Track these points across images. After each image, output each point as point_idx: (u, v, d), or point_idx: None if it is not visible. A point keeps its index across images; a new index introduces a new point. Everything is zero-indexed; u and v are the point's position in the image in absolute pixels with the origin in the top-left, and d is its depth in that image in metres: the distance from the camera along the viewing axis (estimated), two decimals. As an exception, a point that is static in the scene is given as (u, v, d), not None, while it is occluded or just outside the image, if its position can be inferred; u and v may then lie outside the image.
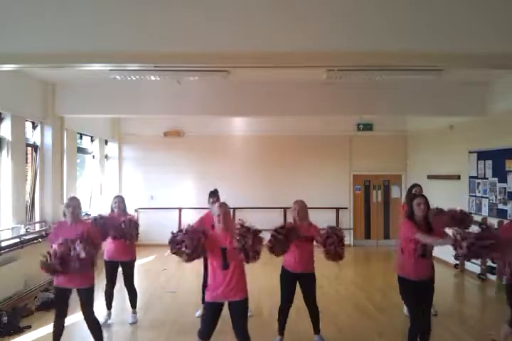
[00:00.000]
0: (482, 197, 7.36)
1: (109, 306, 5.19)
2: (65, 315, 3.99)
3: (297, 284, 4.41)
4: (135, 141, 10.64)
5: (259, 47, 3.97)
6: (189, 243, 3.32)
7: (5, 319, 4.87)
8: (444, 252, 7.19)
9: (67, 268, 3.63)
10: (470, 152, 7.71)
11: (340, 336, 4.82)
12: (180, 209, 10.23)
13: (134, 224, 4.91)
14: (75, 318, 5.11)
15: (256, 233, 3.41)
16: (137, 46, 3.96)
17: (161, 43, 3.96)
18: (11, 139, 6.15)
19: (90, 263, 3.86)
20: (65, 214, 4.01)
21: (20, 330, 4.80)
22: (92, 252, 3.70)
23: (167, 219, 9.93)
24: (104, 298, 5.17)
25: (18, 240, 5.99)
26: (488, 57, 4.03)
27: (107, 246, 5.03)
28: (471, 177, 7.72)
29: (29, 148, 6.91)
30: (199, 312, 5.19)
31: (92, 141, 9.60)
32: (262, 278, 6.25)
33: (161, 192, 10.51)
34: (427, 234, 3.71)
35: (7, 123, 6.17)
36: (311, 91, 7.26)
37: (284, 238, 4.03)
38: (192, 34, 3.91)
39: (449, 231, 3.89)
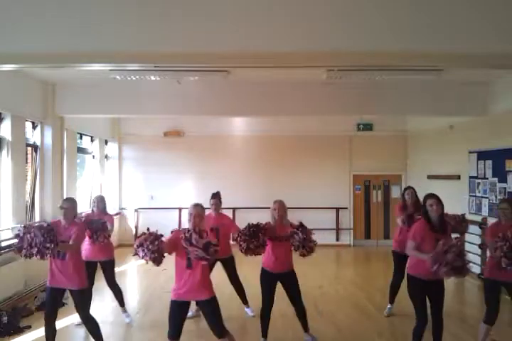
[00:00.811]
0: (482, 197, 7.36)
1: None
2: (54, 317, 4.01)
3: (280, 286, 4.42)
4: (135, 141, 10.64)
5: (259, 47, 3.97)
6: (149, 247, 3.38)
7: (5, 319, 4.87)
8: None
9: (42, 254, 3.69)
10: (470, 152, 7.71)
11: (340, 336, 4.82)
12: (180, 209, 10.22)
13: (102, 224, 4.91)
14: (74, 319, 5.13)
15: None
16: (137, 46, 3.96)
17: (161, 43, 3.96)
18: (11, 139, 6.15)
19: (80, 264, 4.00)
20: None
21: (20, 330, 4.81)
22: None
23: (167, 219, 9.92)
24: None
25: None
26: (488, 57, 4.03)
27: (84, 246, 4.90)
28: (471, 177, 7.72)
29: (29, 148, 6.91)
30: (191, 313, 5.23)
31: (92, 141, 9.61)
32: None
33: (161, 192, 10.51)
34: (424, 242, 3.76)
35: (7, 123, 6.18)
36: (311, 92, 7.25)
37: (250, 237, 4.11)
38: (192, 34, 3.91)
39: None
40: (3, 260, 5.61)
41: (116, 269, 5.40)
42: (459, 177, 8.14)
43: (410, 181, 10.42)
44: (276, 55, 4.03)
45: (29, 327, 4.89)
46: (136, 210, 10.33)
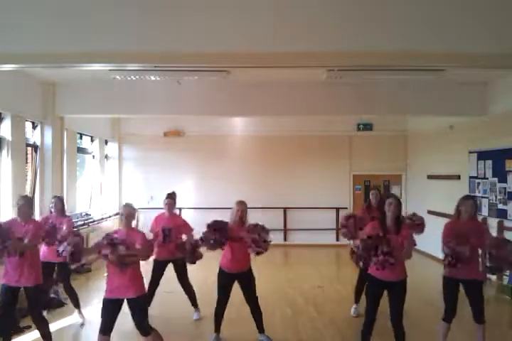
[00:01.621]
0: (482, 197, 7.36)
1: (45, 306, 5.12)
2: (9, 316, 4.01)
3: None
4: (135, 141, 10.63)
5: (259, 47, 3.97)
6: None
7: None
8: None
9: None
10: (470, 152, 7.70)
11: (340, 336, 4.82)
12: (180, 209, 10.20)
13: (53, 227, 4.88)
14: (73, 319, 5.14)
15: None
16: (137, 46, 3.97)
17: (161, 43, 3.96)
18: (11, 139, 6.15)
19: (36, 261, 4.05)
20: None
21: (20, 330, 4.80)
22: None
23: (167, 219, 9.90)
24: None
25: (18, 240, 5.98)
26: (488, 57, 4.03)
27: (42, 248, 4.85)
28: (471, 177, 7.72)
29: (29, 148, 6.91)
30: (196, 315, 5.26)
31: (92, 141, 9.60)
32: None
33: (161, 192, 10.46)
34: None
35: (7, 123, 6.17)
36: (311, 91, 7.25)
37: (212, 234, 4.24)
38: (192, 34, 3.91)
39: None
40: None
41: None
42: (459, 177, 8.14)
43: (410, 181, 10.44)
44: (276, 55, 4.02)
45: (29, 327, 4.88)
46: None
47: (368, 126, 10.53)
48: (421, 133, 9.91)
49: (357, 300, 5.39)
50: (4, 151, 6.11)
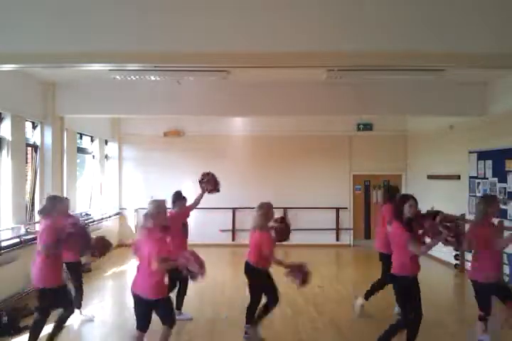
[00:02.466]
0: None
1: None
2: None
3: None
4: (135, 141, 10.63)
5: (259, 47, 3.98)
6: None
7: (5, 319, 4.86)
8: (444, 252, 7.20)
9: None
10: (470, 152, 7.70)
11: (340, 336, 4.82)
12: (180, 209, 10.20)
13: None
14: (73, 320, 5.12)
15: None
16: (137, 46, 3.97)
17: (161, 43, 3.96)
18: (11, 139, 6.14)
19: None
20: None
21: (20, 330, 4.80)
22: None
23: (167, 219, 9.90)
24: None
25: (18, 240, 5.98)
26: (488, 57, 4.04)
27: None
28: (471, 177, 7.72)
29: (29, 148, 6.91)
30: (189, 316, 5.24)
31: (92, 141, 9.60)
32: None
33: (161, 192, 10.46)
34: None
35: (7, 123, 6.17)
36: (311, 91, 7.25)
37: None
38: (192, 34, 3.91)
39: None
40: (3, 260, 5.61)
41: (116, 269, 5.39)
42: (459, 177, 8.14)
43: (410, 181, 10.43)
44: (276, 55, 4.03)
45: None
46: (136, 210, 10.31)
47: (367, 126, 10.52)
48: (421, 133, 9.91)
49: (367, 297, 5.39)
50: (4, 151, 6.11)
